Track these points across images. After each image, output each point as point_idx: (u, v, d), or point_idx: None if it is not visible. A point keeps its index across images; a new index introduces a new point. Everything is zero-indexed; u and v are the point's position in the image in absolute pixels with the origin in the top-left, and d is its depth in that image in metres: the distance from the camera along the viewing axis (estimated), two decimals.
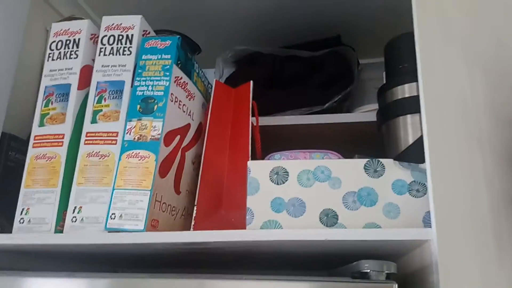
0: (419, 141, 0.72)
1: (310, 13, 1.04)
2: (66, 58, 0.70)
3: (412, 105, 0.75)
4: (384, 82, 1.05)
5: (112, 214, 0.60)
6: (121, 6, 1.01)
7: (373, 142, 0.91)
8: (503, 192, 0.54)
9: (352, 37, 1.05)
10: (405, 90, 0.77)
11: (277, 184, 0.58)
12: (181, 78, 0.69)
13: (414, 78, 0.76)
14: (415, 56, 0.80)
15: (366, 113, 0.90)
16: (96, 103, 0.67)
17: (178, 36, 0.68)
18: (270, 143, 0.81)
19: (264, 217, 0.57)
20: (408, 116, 0.74)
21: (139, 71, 0.67)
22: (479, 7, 0.63)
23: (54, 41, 0.72)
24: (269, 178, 0.59)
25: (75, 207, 0.63)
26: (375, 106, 0.96)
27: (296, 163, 0.59)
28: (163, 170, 0.63)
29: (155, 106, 0.65)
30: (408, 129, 0.74)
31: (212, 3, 1.00)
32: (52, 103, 0.68)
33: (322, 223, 0.56)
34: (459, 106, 0.57)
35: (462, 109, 0.57)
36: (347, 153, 0.85)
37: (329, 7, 1.02)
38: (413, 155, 0.71)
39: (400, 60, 0.81)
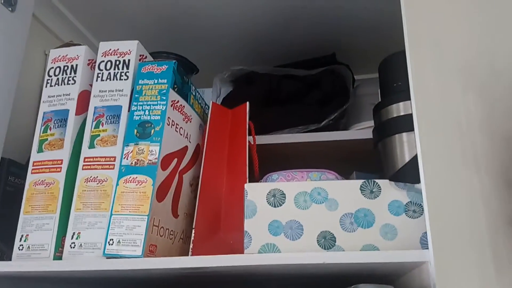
0: (415, 160, 0.72)
1: (305, 32, 1.06)
2: (64, 84, 0.71)
3: (408, 123, 0.75)
4: (380, 98, 1.06)
5: (110, 239, 0.60)
6: (119, 29, 1.03)
7: (371, 159, 0.91)
8: (500, 212, 0.54)
9: (347, 53, 1.07)
10: (400, 108, 0.77)
11: (274, 206, 0.58)
12: (178, 101, 0.70)
13: (409, 96, 0.77)
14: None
15: (363, 130, 0.90)
16: (94, 128, 0.68)
17: (174, 61, 0.69)
18: (268, 161, 0.82)
19: (262, 241, 0.57)
20: (404, 134, 0.75)
21: (136, 95, 0.68)
22: (471, 27, 0.64)
23: (52, 67, 0.72)
24: (266, 201, 0.59)
25: (74, 233, 0.63)
26: (372, 123, 0.96)
27: (292, 185, 0.59)
28: (160, 194, 0.64)
29: (152, 131, 0.65)
30: (404, 147, 0.74)
31: (209, 26, 1.01)
32: (50, 129, 0.69)
33: (320, 246, 0.56)
34: (453, 126, 0.57)
35: (457, 129, 0.57)
36: (345, 170, 0.86)
37: (324, 25, 1.03)
38: (409, 174, 0.71)
39: (394, 78, 0.82)
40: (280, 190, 0.59)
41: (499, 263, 0.51)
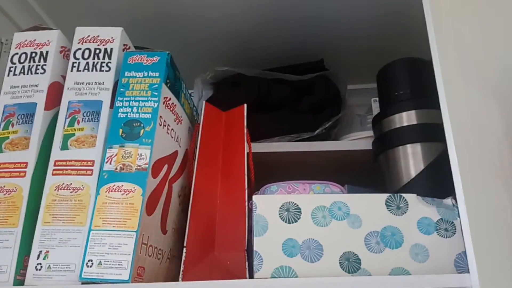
0: (424, 173, 0.68)
1: (292, 38, 1.00)
2: (31, 73, 0.60)
3: (412, 134, 0.71)
4: (369, 109, 1.02)
5: (89, 260, 0.49)
6: (90, 21, 0.91)
7: (363, 172, 0.86)
8: None
9: (333, 63, 1.02)
10: (403, 119, 0.73)
11: (289, 223, 0.50)
12: (170, 99, 0.60)
13: (412, 106, 0.73)
14: (411, 82, 0.77)
15: (359, 141, 0.85)
16: (68, 126, 0.57)
17: (167, 52, 0.60)
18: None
19: (275, 263, 0.49)
20: (408, 145, 0.71)
21: (122, 90, 0.58)
22: (488, 36, 0.61)
23: (16, 54, 0.62)
24: (279, 216, 0.51)
25: (40, 252, 0.52)
26: (364, 133, 0.91)
27: (308, 198, 0.52)
28: (150, 206, 0.54)
29: (142, 131, 0.55)
30: (409, 159, 0.70)
31: (192, 25, 0.93)
32: (13, 126, 0.57)
33: (343, 269, 0.48)
34: (481, 137, 0.53)
35: (484, 140, 0.53)
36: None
37: (312, 33, 0.98)
38: (418, 187, 0.66)
39: (396, 87, 0.77)
40: (295, 204, 0.51)
41: None
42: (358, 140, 0.85)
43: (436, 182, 0.65)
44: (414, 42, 0.80)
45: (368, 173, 0.83)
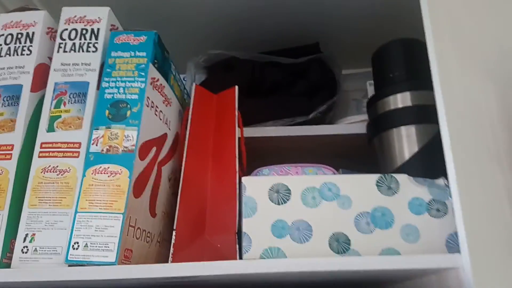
0: (418, 155, 0.67)
1: (286, 21, 0.98)
2: (17, 55, 0.59)
3: (407, 116, 0.70)
4: (365, 94, 1.00)
5: (75, 243, 0.49)
6: (79, 2, 0.90)
7: (358, 156, 0.85)
8: None
9: (330, 47, 1.00)
10: (397, 100, 0.72)
11: (278, 204, 0.50)
12: (158, 80, 0.59)
13: (406, 87, 0.72)
14: (406, 64, 0.76)
15: (355, 124, 0.83)
16: (54, 108, 0.56)
17: (155, 31, 0.59)
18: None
19: (264, 244, 0.48)
20: (402, 128, 0.69)
21: (108, 70, 0.57)
22: (483, 15, 0.59)
23: (2, 35, 0.60)
24: (268, 197, 0.50)
25: (27, 235, 0.51)
26: (360, 117, 0.90)
27: (298, 179, 0.51)
28: (137, 188, 0.53)
29: (128, 112, 0.54)
30: (403, 141, 0.69)
31: (182, 4, 0.91)
32: None
33: (332, 250, 0.47)
34: (476, 118, 0.52)
35: (480, 122, 0.52)
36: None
37: (306, 16, 0.96)
38: (412, 170, 0.65)
39: (390, 68, 0.76)
40: (285, 185, 0.50)
41: None
42: (354, 124, 0.83)
43: (430, 164, 0.64)
44: (411, 24, 0.79)
45: (363, 157, 0.82)
